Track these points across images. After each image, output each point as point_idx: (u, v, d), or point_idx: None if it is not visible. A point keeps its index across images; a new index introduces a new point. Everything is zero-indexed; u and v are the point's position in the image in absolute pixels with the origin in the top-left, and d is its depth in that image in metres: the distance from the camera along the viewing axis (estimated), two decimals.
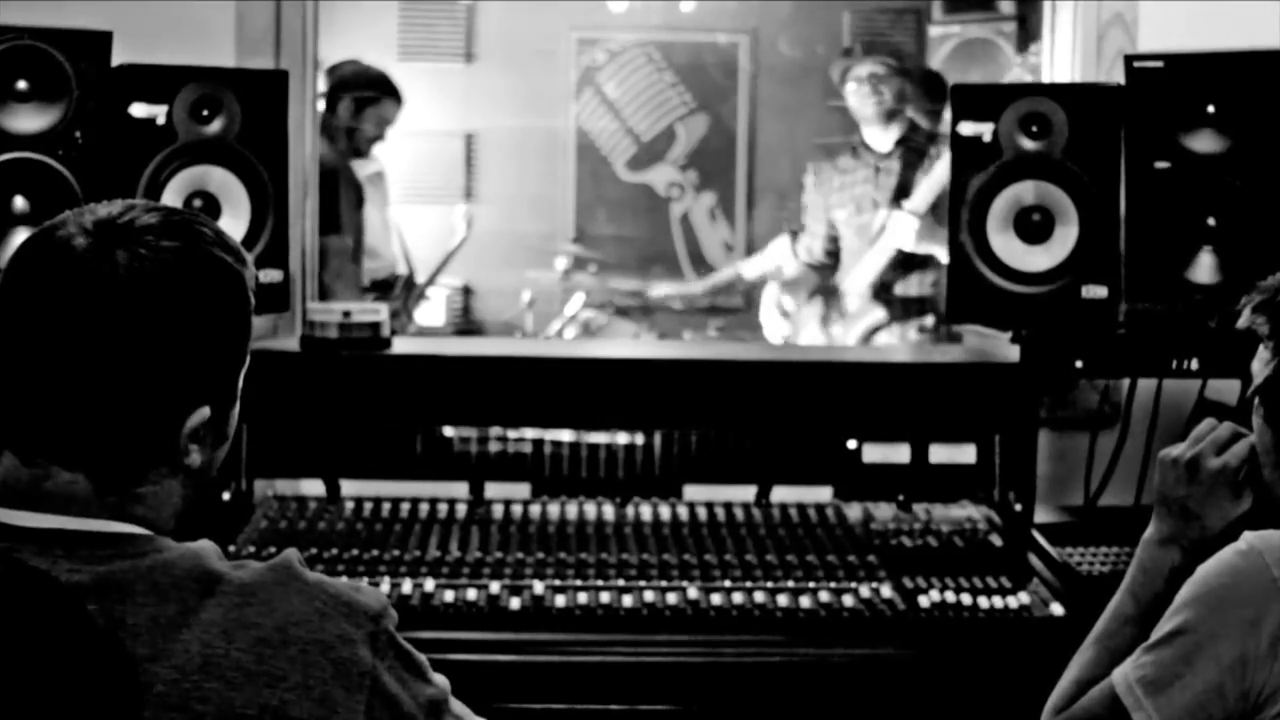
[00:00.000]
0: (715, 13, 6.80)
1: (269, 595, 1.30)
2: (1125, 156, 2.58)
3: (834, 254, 4.77)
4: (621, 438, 2.78)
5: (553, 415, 2.74)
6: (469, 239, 6.14)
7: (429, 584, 2.37)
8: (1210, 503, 1.81)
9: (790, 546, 2.58)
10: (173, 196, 2.55)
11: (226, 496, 2.68)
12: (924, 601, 2.37)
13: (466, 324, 6.66)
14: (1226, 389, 2.61)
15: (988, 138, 2.62)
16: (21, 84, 2.45)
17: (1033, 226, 2.62)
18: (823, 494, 2.80)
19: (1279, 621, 1.58)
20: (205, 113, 2.59)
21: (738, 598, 2.37)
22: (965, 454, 2.79)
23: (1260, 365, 1.74)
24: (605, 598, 2.36)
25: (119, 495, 1.32)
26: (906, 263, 4.52)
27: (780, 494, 2.78)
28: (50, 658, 1.21)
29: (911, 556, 2.56)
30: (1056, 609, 2.37)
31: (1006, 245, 2.63)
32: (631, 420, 2.76)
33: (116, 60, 2.52)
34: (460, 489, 2.77)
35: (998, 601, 2.38)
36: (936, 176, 4.35)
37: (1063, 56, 3.12)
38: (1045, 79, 3.23)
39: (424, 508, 2.70)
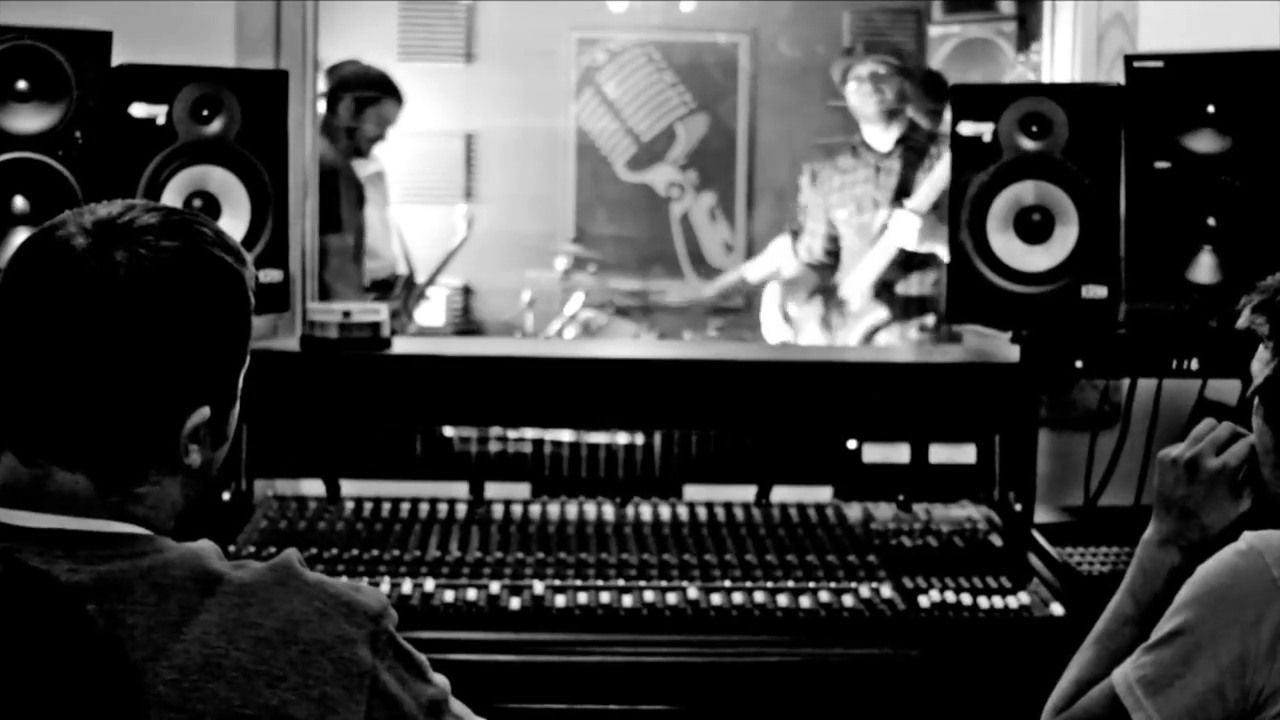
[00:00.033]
0: (715, 13, 6.80)
1: (269, 595, 1.30)
2: (1125, 156, 2.58)
3: (834, 254, 4.76)
4: (621, 438, 2.79)
5: (553, 415, 2.74)
6: (469, 239, 6.14)
7: (429, 584, 2.37)
8: (1209, 503, 1.81)
9: (790, 546, 2.58)
10: (173, 196, 2.55)
11: (226, 496, 2.68)
12: (924, 601, 2.37)
13: (466, 324, 6.66)
14: (1226, 389, 2.61)
15: (988, 138, 2.62)
16: (21, 84, 2.45)
17: (1033, 226, 2.62)
18: (823, 494, 2.80)
19: (1279, 621, 1.58)
20: (205, 113, 2.59)
21: (738, 598, 2.37)
22: (965, 454, 2.79)
23: (1260, 365, 1.73)
24: (605, 598, 2.36)
25: (119, 495, 1.32)
26: (908, 262, 4.52)
27: (780, 494, 2.78)
28: (50, 658, 1.21)
29: (911, 556, 2.56)
30: (1056, 609, 2.37)
31: (1006, 245, 2.63)
32: (631, 420, 2.76)
33: (116, 60, 2.52)
34: (460, 489, 2.77)
35: (998, 601, 2.38)
36: (938, 175, 4.34)
37: (1063, 56, 3.12)
38: (1045, 79, 3.23)
39: (424, 508, 2.70)
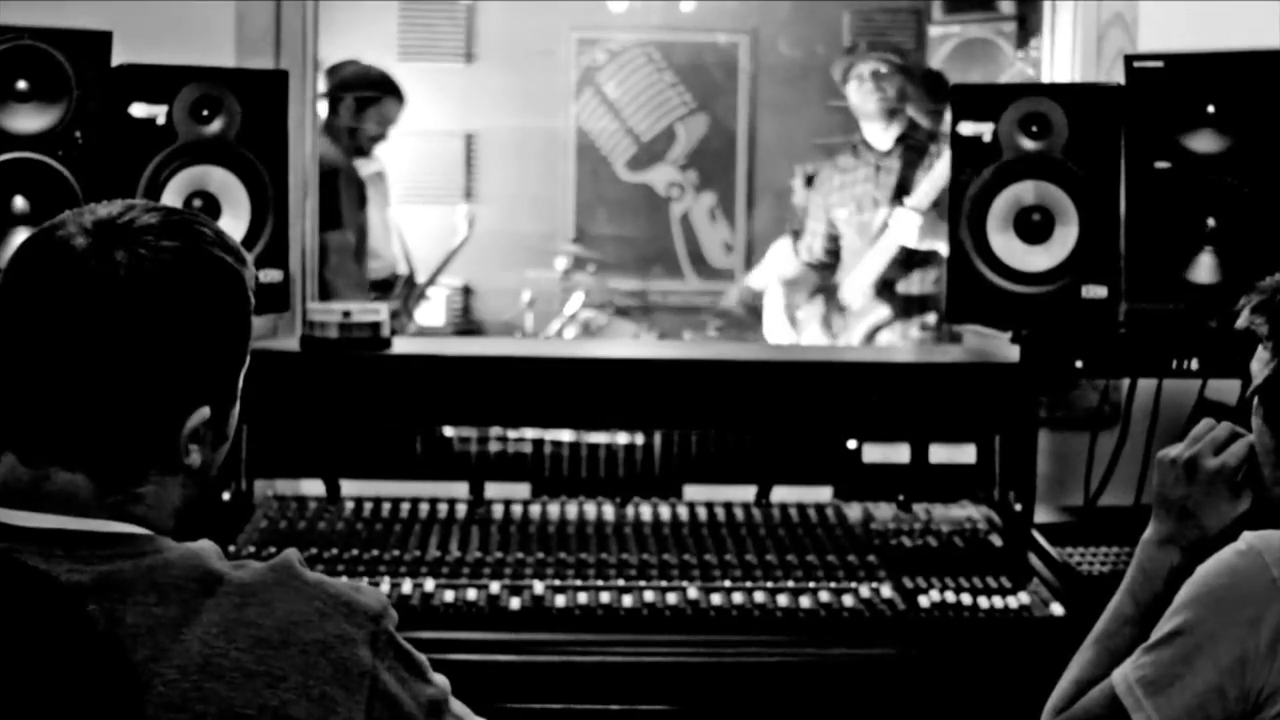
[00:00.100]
0: (715, 13, 6.80)
1: (269, 595, 1.30)
2: (1125, 156, 2.58)
3: (834, 253, 4.76)
4: (621, 438, 2.79)
5: (553, 415, 2.74)
6: (470, 239, 6.14)
7: (429, 584, 2.37)
8: (1209, 503, 1.81)
9: (790, 546, 2.58)
10: (173, 196, 2.55)
11: (226, 496, 2.68)
12: (924, 601, 2.37)
13: (466, 324, 6.66)
14: (1226, 389, 2.61)
15: (988, 138, 2.62)
16: (21, 84, 2.45)
17: (1033, 226, 2.62)
18: (823, 494, 2.80)
19: (1278, 621, 1.58)
20: (205, 113, 2.59)
21: (738, 598, 2.37)
22: (965, 454, 2.79)
23: (1259, 366, 1.74)
24: (605, 598, 2.36)
25: (119, 495, 1.32)
26: (909, 260, 4.52)
27: (780, 494, 2.78)
28: (50, 658, 1.21)
29: (911, 556, 2.56)
30: (1056, 609, 2.37)
31: (1006, 245, 2.62)
32: (631, 420, 2.76)
33: (116, 60, 2.52)
34: (460, 489, 2.77)
35: (998, 601, 2.38)
36: (939, 172, 4.34)
37: (1063, 56, 3.12)
38: (1045, 79, 3.22)
39: (424, 508, 2.70)
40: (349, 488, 2.76)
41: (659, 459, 2.78)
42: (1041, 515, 2.72)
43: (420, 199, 6.56)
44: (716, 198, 6.91)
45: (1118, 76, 2.63)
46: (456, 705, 1.42)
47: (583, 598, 2.35)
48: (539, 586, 2.39)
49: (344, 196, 4.75)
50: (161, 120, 2.56)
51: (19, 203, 2.45)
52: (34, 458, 1.31)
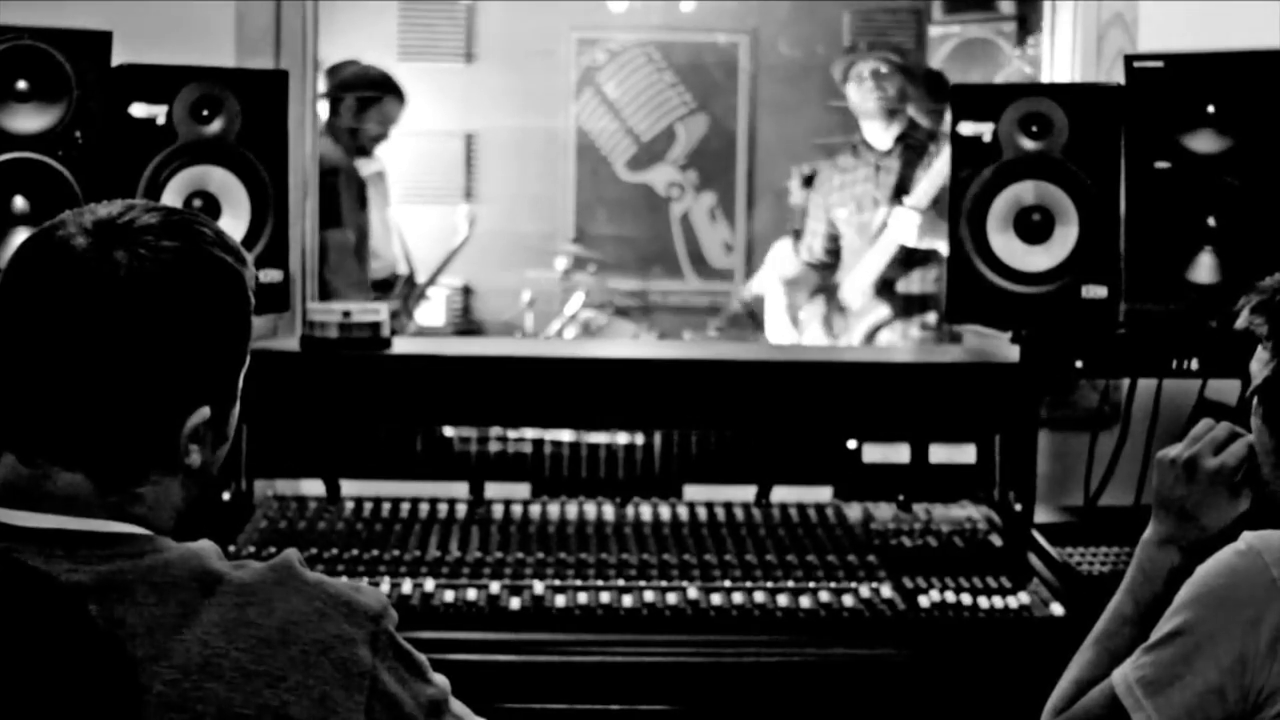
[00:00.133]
0: (715, 13, 6.80)
1: (269, 595, 1.30)
2: (1125, 156, 2.58)
3: (835, 253, 4.76)
4: (621, 438, 2.79)
5: (553, 415, 2.74)
6: (470, 239, 6.14)
7: (429, 584, 2.37)
8: (1208, 503, 1.82)
9: (790, 546, 2.58)
10: (173, 196, 2.55)
11: (226, 496, 2.68)
12: (924, 601, 2.37)
13: (466, 324, 6.67)
14: (1226, 389, 2.61)
15: (988, 138, 2.62)
16: (21, 84, 2.45)
17: (1033, 226, 2.62)
18: (823, 494, 2.80)
19: (1278, 621, 1.58)
20: (205, 113, 2.59)
21: (738, 598, 2.37)
22: (965, 454, 2.79)
23: (1259, 366, 1.74)
24: (605, 598, 2.36)
25: (119, 495, 1.32)
26: (908, 259, 4.52)
27: (780, 494, 2.78)
28: (50, 658, 1.21)
29: (911, 556, 2.56)
30: (1056, 609, 2.37)
31: (1006, 245, 2.62)
32: (631, 420, 2.76)
33: (116, 60, 2.52)
34: (460, 489, 2.77)
35: (998, 601, 2.38)
36: (937, 171, 4.35)
37: (1063, 56, 3.12)
38: (1045, 79, 3.23)
39: (424, 508, 2.70)
40: (349, 488, 2.76)
41: (659, 459, 2.78)
42: (1041, 515, 2.72)
43: (420, 199, 6.57)
44: (716, 198, 6.91)
45: (1118, 76, 2.63)
46: (456, 705, 1.42)
47: (583, 598, 2.35)
48: (539, 586, 2.39)
49: (344, 196, 4.75)
50: (161, 120, 2.56)
51: (19, 203, 2.45)
52: (34, 458, 1.31)
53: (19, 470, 1.31)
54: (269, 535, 2.57)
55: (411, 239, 5.63)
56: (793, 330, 4.83)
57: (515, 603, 2.33)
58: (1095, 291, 2.60)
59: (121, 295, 1.28)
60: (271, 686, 1.26)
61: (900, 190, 4.52)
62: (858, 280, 4.61)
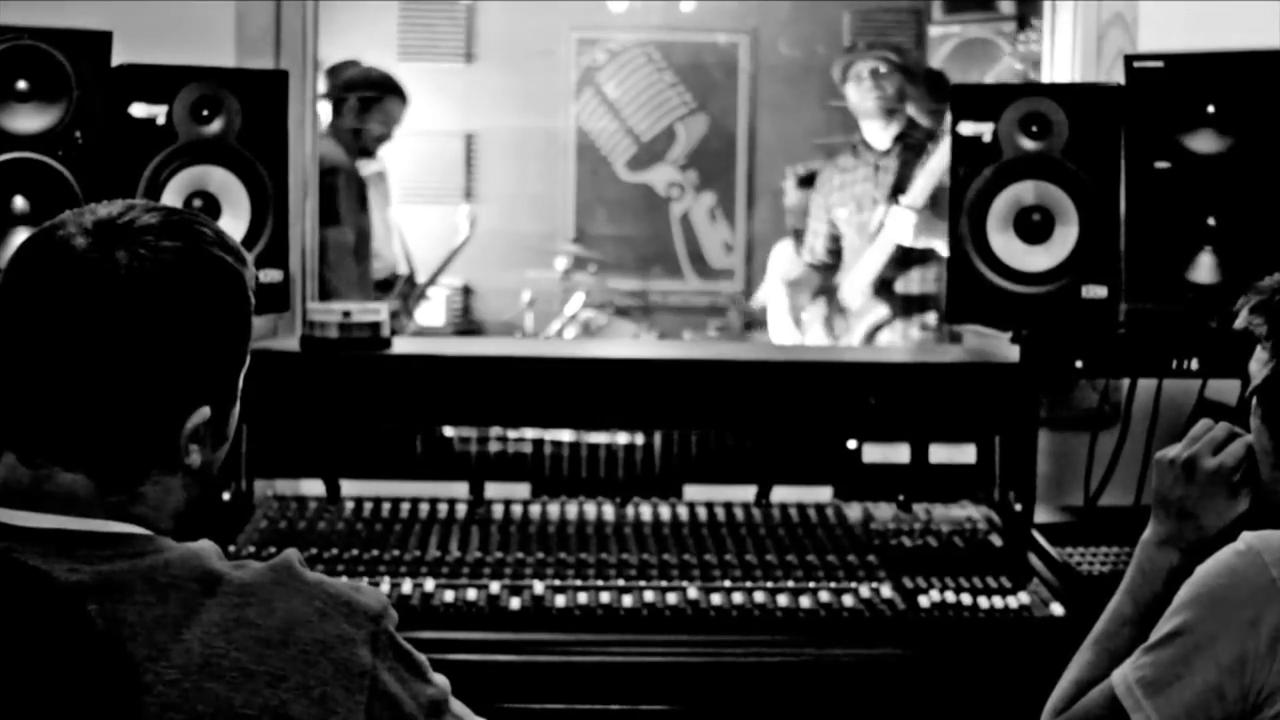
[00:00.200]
0: (715, 13, 6.81)
1: (269, 595, 1.30)
2: (1125, 156, 2.58)
3: (836, 253, 4.76)
4: (621, 438, 2.79)
5: (553, 415, 2.74)
6: (471, 239, 6.15)
7: (429, 584, 2.37)
8: (1207, 503, 1.81)
9: (790, 546, 2.58)
10: (173, 196, 2.55)
11: (226, 496, 2.68)
12: (924, 601, 2.37)
13: (466, 324, 6.67)
14: (1226, 389, 2.61)
15: (988, 138, 2.62)
16: (21, 84, 2.45)
17: (1033, 226, 2.62)
18: (823, 494, 2.80)
19: (1278, 622, 1.58)
20: (205, 113, 2.59)
21: (738, 598, 2.37)
22: (965, 454, 2.79)
23: (1258, 366, 1.74)
24: (605, 598, 2.37)
25: (119, 495, 1.32)
26: (906, 258, 4.51)
27: (780, 494, 2.78)
28: (50, 658, 1.21)
29: (911, 556, 2.56)
30: (1056, 609, 2.37)
31: (1006, 245, 2.63)
32: (631, 420, 2.76)
33: (116, 60, 2.52)
34: (460, 489, 2.77)
35: (998, 601, 2.38)
36: (931, 169, 4.34)
37: (1063, 56, 3.12)
38: (1045, 79, 3.23)
39: (424, 508, 2.70)
40: (349, 488, 2.76)
41: (659, 459, 2.78)
42: (1041, 515, 2.72)
43: (420, 199, 6.57)
44: (716, 198, 6.91)
45: (1118, 76, 2.63)
46: (456, 705, 1.42)
47: (583, 598, 2.35)
48: (539, 586, 2.39)
49: (343, 195, 4.76)
50: (161, 120, 2.56)
51: (19, 203, 2.45)
52: (34, 458, 1.31)
53: (19, 470, 1.31)
54: (269, 535, 2.57)
55: (412, 239, 5.63)
56: (796, 332, 4.83)
57: (515, 603, 2.33)
58: (1095, 291, 2.60)
59: (122, 295, 1.29)
60: (272, 686, 1.26)
61: (898, 190, 4.52)
62: (856, 280, 4.61)
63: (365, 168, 5.08)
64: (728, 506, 2.73)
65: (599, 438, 2.78)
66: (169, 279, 1.31)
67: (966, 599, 2.38)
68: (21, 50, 2.43)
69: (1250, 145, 2.51)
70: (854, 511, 2.75)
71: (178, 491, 1.36)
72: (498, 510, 2.71)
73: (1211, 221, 2.54)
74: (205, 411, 1.34)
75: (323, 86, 5.07)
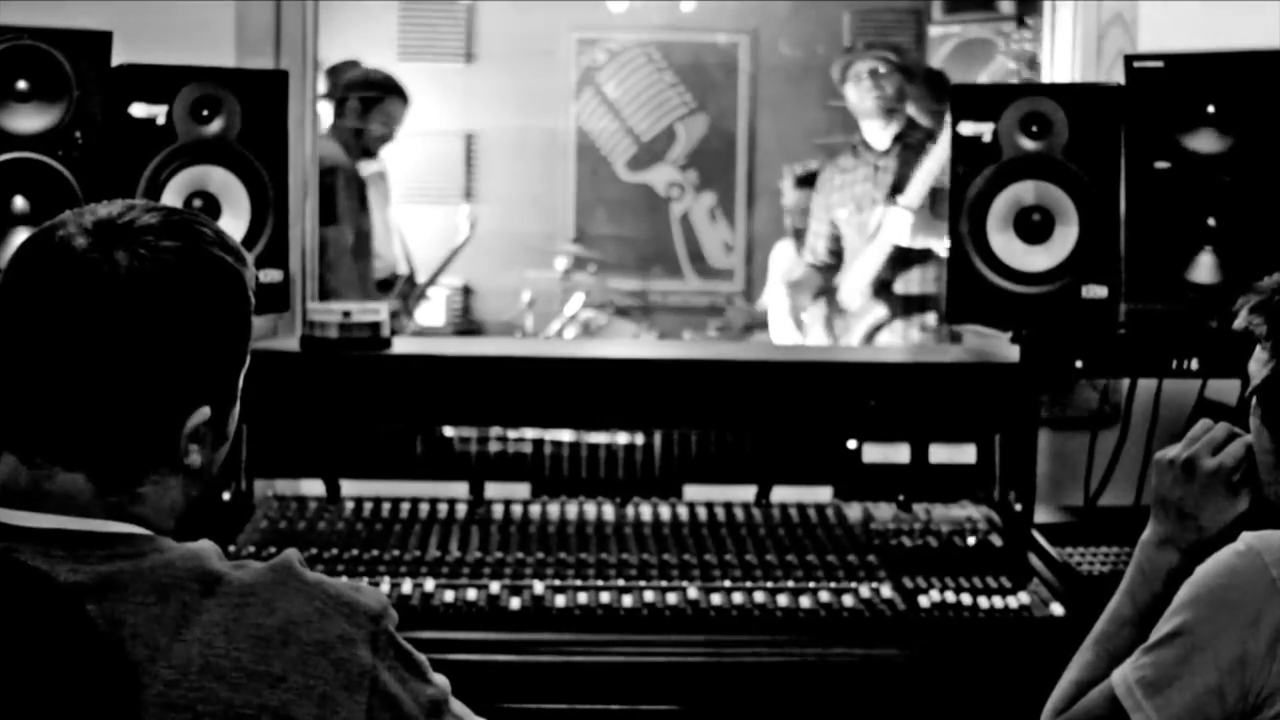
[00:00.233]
0: (715, 13, 6.81)
1: (269, 595, 1.30)
2: (1125, 156, 2.58)
3: (838, 253, 4.76)
4: (621, 438, 2.79)
5: (553, 415, 2.74)
6: (471, 239, 6.15)
7: (429, 584, 2.37)
8: (1206, 503, 1.81)
9: (790, 546, 2.58)
10: (173, 196, 2.55)
11: (226, 496, 2.68)
12: (924, 601, 2.37)
13: (466, 324, 6.67)
14: (1226, 389, 2.61)
15: (988, 138, 2.62)
16: (21, 84, 2.45)
17: (1033, 226, 2.62)
18: (823, 494, 2.80)
19: (1278, 622, 1.58)
20: (205, 113, 2.59)
21: (738, 598, 2.37)
22: (965, 454, 2.79)
23: (1257, 366, 1.74)
24: (605, 598, 2.37)
25: (119, 495, 1.32)
26: (904, 258, 4.51)
27: (780, 494, 2.78)
28: (50, 658, 1.21)
29: (911, 556, 2.56)
30: (1056, 609, 2.37)
31: (1006, 245, 2.62)
32: (631, 420, 2.76)
33: (116, 60, 2.52)
34: (460, 489, 2.77)
35: (998, 601, 2.38)
36: (927, 169, 4.35)
37: (1063, 56, 3.12)
38: (1045, 79, 3.23)
39: (424, 508, 2.70)
40: (349, 488, 2.76)
41: (659, 459, 2.78)
42: (1041, 515, 2.72)
43: (421, 199, 6.57)
44: (716, 198, 6.91)
45: (1118, 76, 2.63)
46: (456, 705, 1.42)
47: (583, 598, 2.36)
48: (539, 586, 2.39)
49: (341, 194, 4.76)
50: (161, 120, 2.56)
51: (19, 203, 2.45)
52: (34, 458, 1.31)
53: (19, 470, 1.31)
54: (269, 535, 2.57)
55: (412, 239, 5.63)
56: (797, 333, 4.83)
57: (515, 603, 2.33)
58: (1095, 291, 2.60)
59: (122, 295, 1.28)
60: (272, 687, 1.26)
61: (897, 190, 4.52)
62: (854, 281, 4.61)
63: (365, 168, 5.08)
64: (728, 506, 2.73)
65: (599, 438, 2.78)
66: (169, 279, 1.31)
67: (966, 599, 2.38)
68: (21, 50, 2.43)
69: (1250, 145, 2.52)
70: (854, 511, 2.75)
71: (178, 491, 1.36)
72: (498, 510, 2.71)
73: (1211, 221, 2.54)
74: (205, 411, 1.34)
75: (323, 87, 5.07)
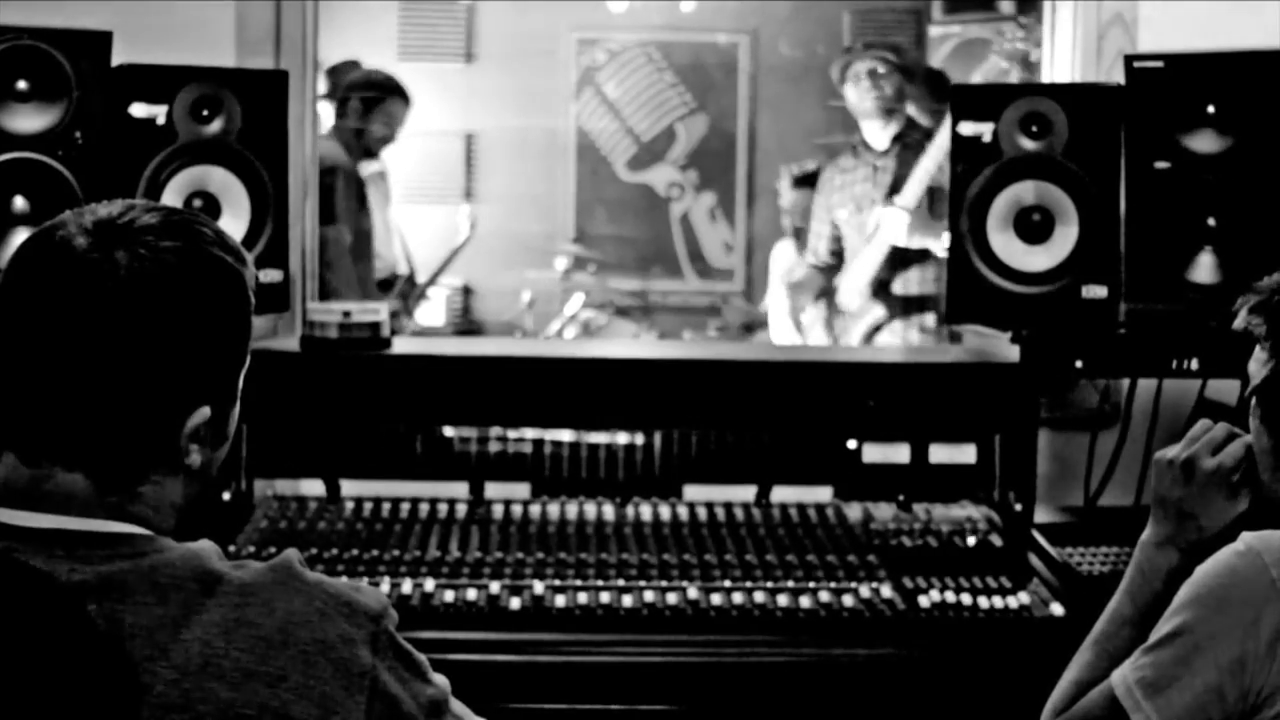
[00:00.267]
0: (715, 13, 6.81)
1: (269, 595, 1.30)
2: (1125, 156, 2.59)
3: (838, 254, 4.76)
4: (621, 438, 2.79)
5: (553, 415, 2.74)
6: (472, 239, 6.15)
7: (429, 584, 2.37)
8: (1206, 503, 1.81)
9: (790, 546, 2.58)
10: (173, 196, 2.55)
11: (226, 496, 2.68)
12: (924, 601, 2.37)
13: (466, 324, 6.67)
14: (1226, 389, 2.61)
15: (988, 138, 2.62)
16: (21, 84, 2.45)
17: (1033, 226, 2.62)
18: (823, 494, 2.80)
19: (1277, 622, 1.58)
20: (205, 113, 2.59)
21: (738, 598, 2.37)
22: (965, 454, 2.79)
23: (1257, 366, 1.74)
24: (605, 598, 2.37)
25: (119, 495, 1.32)
26: (902, 259, 4.51)
27: (780, 494, 2.78)
28: (50, 658, 1.21)
29: (911, 556, 2.56)
30: (1056, 609, 2.37)
31: (1006, 245, 2.63)
32: (631, 420, 2.76)
33: (116, 60, 2.52)
34: (460, 489, 2.77)
35: (998, 601, 2.38)
36: (923, 168, 4.35)
37: (1063, 56, 3.12)
38: (1045, 79, 3.23)
39: (424, 508, 2.70)
40: (349, 488, 2.76)
41: (659, 459, 2.78)
42: (1041, 515, 2.72)
43: (421, 199, 6.57)
44: (716, 198, 6.91)
45: (1118, 76, 2.63)
46: (456, 705, 1.42)
47: (583, 598, 2.36)
48: (539, 586, 2.39)
49: (341, 195, 4.76)
50: (161, 120, 2.56)
51: (19, 203, 2.45)
52: (34, 458, 1.31)
53: (19, 470, 1.31)
54: (269, 535, 2.57)
55: (412, 239, 5.63)
56: (797, 334, 4.83)
57: (515, 603, 2.33)
58: (1095, 291, 2.60)
59: (122, 295, 1.28)
60: (272, 686, 1.26)
61: (895, 190, 4.52)
62: (853, 281, 4.61)
63: (365, 168, 5.08)
64: (728, 506, 2.73)
65: (599, 438, 2.78)
66: (169, 279, 1.31)
67: (966, 599, 2.38)
68: (21, 50, 2.43)
69: (1250, 145, 2.52)
70: (854, 511, 2.75)
71: (178, 491, 1.36)
72: (498, 510, 2.71)
73: (1211, 221, 2.54)
74: (205, 411, 1.34)
75: (324, 87, 5.07)
